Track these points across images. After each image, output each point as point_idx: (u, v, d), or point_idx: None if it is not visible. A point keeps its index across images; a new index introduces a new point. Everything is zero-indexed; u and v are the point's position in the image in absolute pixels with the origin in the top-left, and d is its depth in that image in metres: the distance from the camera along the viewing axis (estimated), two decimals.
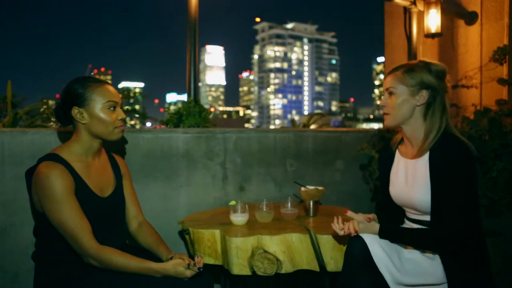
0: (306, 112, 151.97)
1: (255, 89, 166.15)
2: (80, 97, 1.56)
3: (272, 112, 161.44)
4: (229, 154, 2.53)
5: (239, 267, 1.76)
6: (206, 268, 1.59)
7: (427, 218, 1.61)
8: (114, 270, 1.47)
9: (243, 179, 2.57)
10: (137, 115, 3.52)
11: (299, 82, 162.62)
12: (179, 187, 2.41)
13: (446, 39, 3.95)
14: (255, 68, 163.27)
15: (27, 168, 1.57)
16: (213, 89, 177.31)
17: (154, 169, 2.35)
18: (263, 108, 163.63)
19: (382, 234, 1.57)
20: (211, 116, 2.66)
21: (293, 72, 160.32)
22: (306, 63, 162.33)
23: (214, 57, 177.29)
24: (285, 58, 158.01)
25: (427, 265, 1.55)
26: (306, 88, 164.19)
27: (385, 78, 1.73)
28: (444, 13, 3.71)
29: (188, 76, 2.83)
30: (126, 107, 3.23)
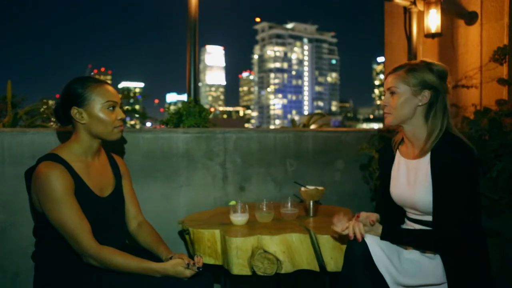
0: (306, 112, 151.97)
1: (255, 89, 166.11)
2: (79, 97, 1.56)
3: (272, 112, 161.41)
4: (229, 154, 2.53)
5: (239, 267, 1.75)
6: (206, 268, 1.59)
7: (428, 218, 1.61)
8: (114, 270, 1.47)
9: (243, 179, 2.57)
10: (137, 115, 3.52)
11: (299, 82, 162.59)
12: (179, 187, 2.41)
13: (446, 39, 3.95)
14: (255, 68, 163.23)
15: (27, 168, 1.57)
16: (213, 89, 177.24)
17: (154, 169, 2.35)
18: (263, 108, 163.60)
19: (385, 236, 1.57)
20: (211, 116, 2.66)
21: (293, 72, 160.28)
22: (306, 63, 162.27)
23: (214, 57, 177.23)
24: (285, 58, 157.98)
25: (427, 265, 1.55)
26: (306, 88, 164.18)
27: (386, 77, 1.73)
28: (444, 13, 3.71)
29: (188, 76, 2.83)
30: (126, 107, 3.23)
